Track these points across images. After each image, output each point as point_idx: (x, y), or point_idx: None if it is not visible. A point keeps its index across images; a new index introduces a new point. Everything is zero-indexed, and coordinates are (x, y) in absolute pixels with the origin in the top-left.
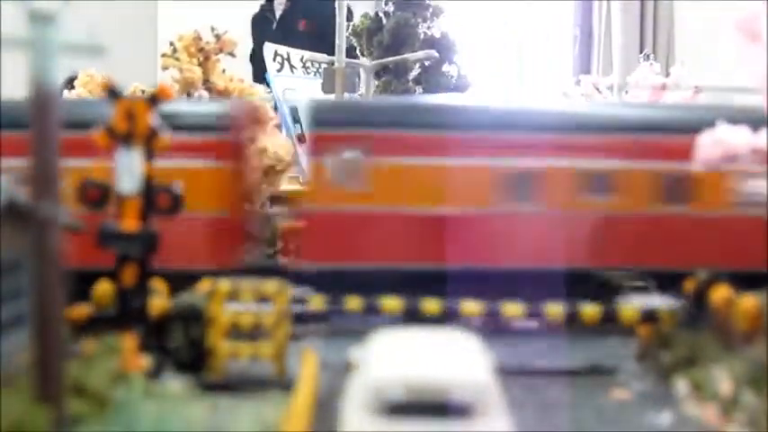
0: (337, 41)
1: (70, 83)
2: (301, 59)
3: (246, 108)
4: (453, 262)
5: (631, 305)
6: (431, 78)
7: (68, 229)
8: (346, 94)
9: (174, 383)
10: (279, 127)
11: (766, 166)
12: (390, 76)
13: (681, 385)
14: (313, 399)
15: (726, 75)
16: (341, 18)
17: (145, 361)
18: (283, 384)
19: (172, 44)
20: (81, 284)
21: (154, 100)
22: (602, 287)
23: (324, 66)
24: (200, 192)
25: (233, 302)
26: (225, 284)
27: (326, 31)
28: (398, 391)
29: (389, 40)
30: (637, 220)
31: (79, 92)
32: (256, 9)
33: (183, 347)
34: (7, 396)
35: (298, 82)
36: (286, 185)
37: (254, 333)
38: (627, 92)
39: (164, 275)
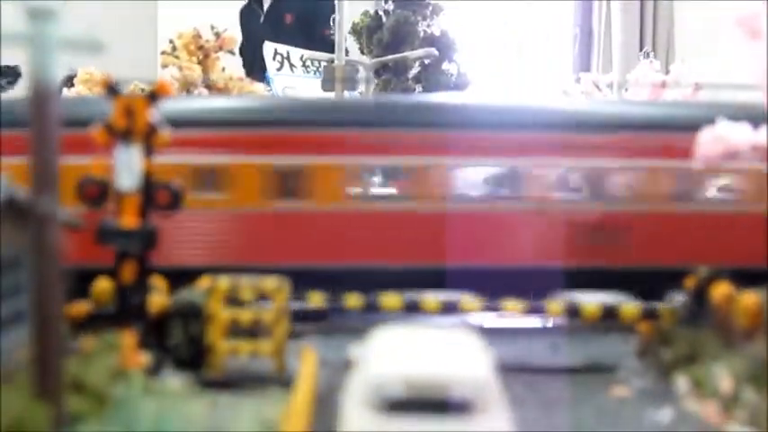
0: (337, 39)
1: (69, 81)
2: (301, 58)
3: None
4: None
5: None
6: (430, 77)
7: (68, 226)
8: (346, 93)
9: (174, 380)
10: None
11: (766, 162)
12: (390, 75)
13: (681, 382)
14: (312, 396)
15: (725, 72)
16: (340, 16)
17: (144, 358)
18: (283, 381)
19: (171, 42)
20: (80, 281)
21: (153, 97)
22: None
23: (324, 64)
24: None
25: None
26: (224, 281)
27: (312, 24)
28: (398, 388)
29: (389, 38)
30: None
31: (79, 89)
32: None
33: (182, 344)
34: (7, 393)
35: (297, 80)
36: None
37: (253, 330)
38: (627, 89)
39: (162, 272)
